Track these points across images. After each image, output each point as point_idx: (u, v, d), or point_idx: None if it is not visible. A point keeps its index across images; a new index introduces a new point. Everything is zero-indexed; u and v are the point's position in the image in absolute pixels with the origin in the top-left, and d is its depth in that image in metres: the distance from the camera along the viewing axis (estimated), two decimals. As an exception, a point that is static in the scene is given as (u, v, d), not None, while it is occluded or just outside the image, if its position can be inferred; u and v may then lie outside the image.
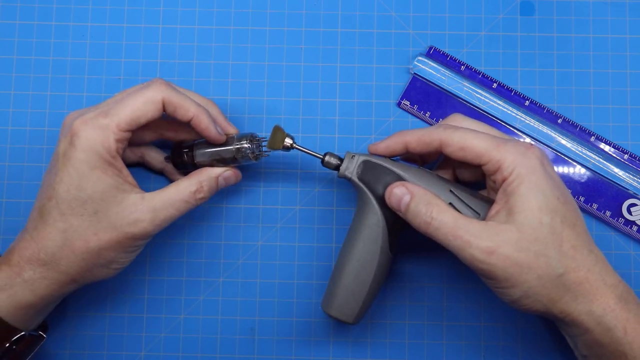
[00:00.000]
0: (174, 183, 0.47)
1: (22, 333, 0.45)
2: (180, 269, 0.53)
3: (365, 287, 0.46)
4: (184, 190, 0.46)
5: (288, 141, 0.48)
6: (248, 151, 0.48)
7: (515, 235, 0.41)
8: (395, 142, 0.47)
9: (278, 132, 0.48)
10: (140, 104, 0.44)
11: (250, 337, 0.52)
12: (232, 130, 0.49)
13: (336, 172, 0.48)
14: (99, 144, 0.43)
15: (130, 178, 0.45)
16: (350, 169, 0.47)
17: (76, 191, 0.43)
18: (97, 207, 0.43)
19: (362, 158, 0.47)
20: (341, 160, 0.48)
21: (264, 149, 0.49)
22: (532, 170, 0.42)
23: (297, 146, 0.48)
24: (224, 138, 0.48)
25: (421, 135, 0.46)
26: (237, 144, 0.48)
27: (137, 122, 0.44)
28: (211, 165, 0.48)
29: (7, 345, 0.44)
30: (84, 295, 0.53)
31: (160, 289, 0.53)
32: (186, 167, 0.50)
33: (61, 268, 0.44)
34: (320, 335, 0.53)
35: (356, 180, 0.47)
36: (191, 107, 0.46)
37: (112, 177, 0.44)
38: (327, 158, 0.48)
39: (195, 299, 0.53)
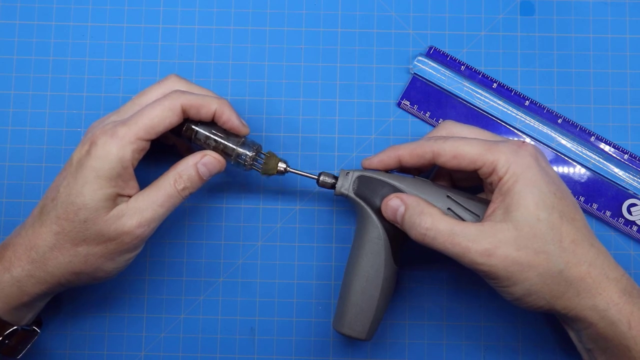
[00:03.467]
0: (155, 181, 0.46)
1: (15, 327, 0.45)
2: (180, 269, 0.53)
3: (373, 301, 0.46)
4: (163, 184, 0.45)
5: (282, 166, 0.48)
6: (247, 159, 0.47)
7: (513, 234, 0.41)
8: (388, 157, 0.47)
9: (272, 158, 0.48)
10: (158, 111, 0.44)
11: (250, 337, 0.52)
12: (244, 130, 0.48)
13: (332, 190, 0.48)
14: (114, 154, 0.43)
15: (134, 191, 0.45)
16: (346, 185, 0.47)
17: (75, 197, 0.43)
18: (87, 216, 0.43)
19: (356, 174, 0.47)
20: (336, 178, 0.48)
21: (259, 160, 0.48)
22: (526, 167, 0.42)
23: (291, 169, 0.48)
24: (247, 130, 0.47)
25: (413, 149, 0.46)
26: (242, 149, 0.47)
27: (156, 130, 0.44)
28: (203, 147, 0.47)
29: (0, 339, 0.44)
30: (84, 295, 0.53)
31: (160, 289, 0.53)
32: (182, 137, 0.48)
33: (48, 268, 0.44)
34: (320, 335, 0.53)
35: (353, 196, 0.47)
36: (212, 102, 0.46)
37: (114, 189, 0.44)
38: (322, 178, 0.48)
39: (195, 299, 0.53)
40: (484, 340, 0.52)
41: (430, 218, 0.43)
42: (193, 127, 0.47)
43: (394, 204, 0.45)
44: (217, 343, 0.52)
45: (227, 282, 0.53)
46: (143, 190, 0.45)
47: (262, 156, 0.48)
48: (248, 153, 0.47)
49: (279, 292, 0.53)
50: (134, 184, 0.45)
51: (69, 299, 0.52)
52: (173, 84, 0.47)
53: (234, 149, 0.47)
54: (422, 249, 0.51)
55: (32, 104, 0.55)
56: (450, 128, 0.47)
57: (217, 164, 0.47)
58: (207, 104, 0.46)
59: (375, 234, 0.46)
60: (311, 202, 0.54)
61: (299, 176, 0.53)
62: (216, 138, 0.47)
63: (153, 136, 0.44)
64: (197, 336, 0.52)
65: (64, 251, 0.44)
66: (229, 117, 0.47)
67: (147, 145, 0.45)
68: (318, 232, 0.53)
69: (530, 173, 0.42)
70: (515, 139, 0.51)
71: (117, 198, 0.44)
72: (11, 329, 0.45)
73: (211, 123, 0.48)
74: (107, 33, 0.55)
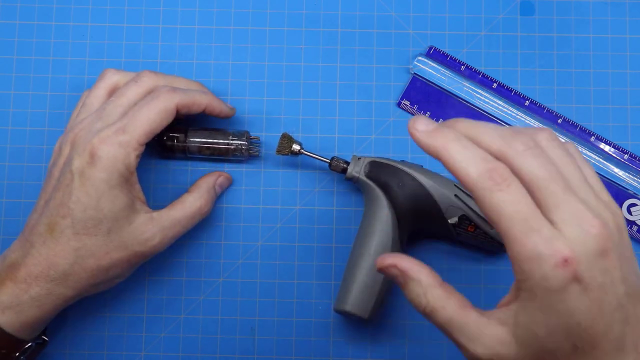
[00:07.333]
0: (179, 200, 0.48)
1: (30, 344, 0.45)
2: (180, 269, 0.53)
3: (378, 281, 0.47)
4: (190, 207, 0.48)
5: (296, 147, 0.50)
6: (243, 148, 0.51)
7: (515, 349, 0.33)
8: None
9: (286, 139, 0.50)
10: (154, 115, 0.45)
11: (250, 337, 0.52)
12: (233, 113, 0.52)
13: (342, 174, 0.50)
14: (120, 162, 0.43)
15: (141, 194, 0.46)
16: (357, 169, 0.49)
17: (93, 211, 0.43)
18: (110, 227, 0.44)
19: (368, 159, 0.49)
20: (348, 163, 0.49)
21: (253, 146, 0.52)
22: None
23: (304, 152, 0.50)
24: (234, 110, 0.51)
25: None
26: (235, 141, 0.51)
27: (154, 133, 0.45)
28: (200, 152, 0.51)
29: (16, 355, 0.45)
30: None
31: (160, 289, 0.53)
32: (171, 152, 0.52)
33: (69, 284, 0.44)
34: (320, 335, 0.53)
35: (364, 178, 0.48)
36: (202, 99, 0.48)
37: (128, 195, 0.44)
38: (334, 162, 0.50)
39: (195, 299, 0.53)
40: (484, 340, 0.52)
41: (430, 297, 0.34)
42: (184, 140, 0.51)
43: (392, 273, 0.36)
44: (217, 343, 0.52)
45: (227, 282, 0.53)
46: (167, 209, 0.47)
47: (254, 142, 0.52)
48: (243, 143, 0.51)
49: (279, 292, 0.53)
50: (138, 186, 0.46)
51: (69, 299, 0.53)
52: (150, 80, 0.47)
53: (228, 145, 0.51)
54: (419, 242, 0.51)
55: (32, 104, 0.55)
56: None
57: (228, 182, 0.52)
58: (198, 101, 0.48)
59: (384, 214, 0.47)
60: (311, 202, 0.54)
61: (299, 175, 0.53)
62: (209, 145, 0.51)
63: (150, 139, 0.45)
64: (197, 336, 0.52)
65: (86, 266, 0.44)
66: (220, 109, 0.49)
67: (144, 147, 0.45)
68: (318, 232, 0.53)
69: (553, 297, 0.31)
70: None
71: (133, 204, 0.45)
72: (26, 346, 0.45)
73: (188, 123, 0.51)
74: (107, 33, 0.55)
